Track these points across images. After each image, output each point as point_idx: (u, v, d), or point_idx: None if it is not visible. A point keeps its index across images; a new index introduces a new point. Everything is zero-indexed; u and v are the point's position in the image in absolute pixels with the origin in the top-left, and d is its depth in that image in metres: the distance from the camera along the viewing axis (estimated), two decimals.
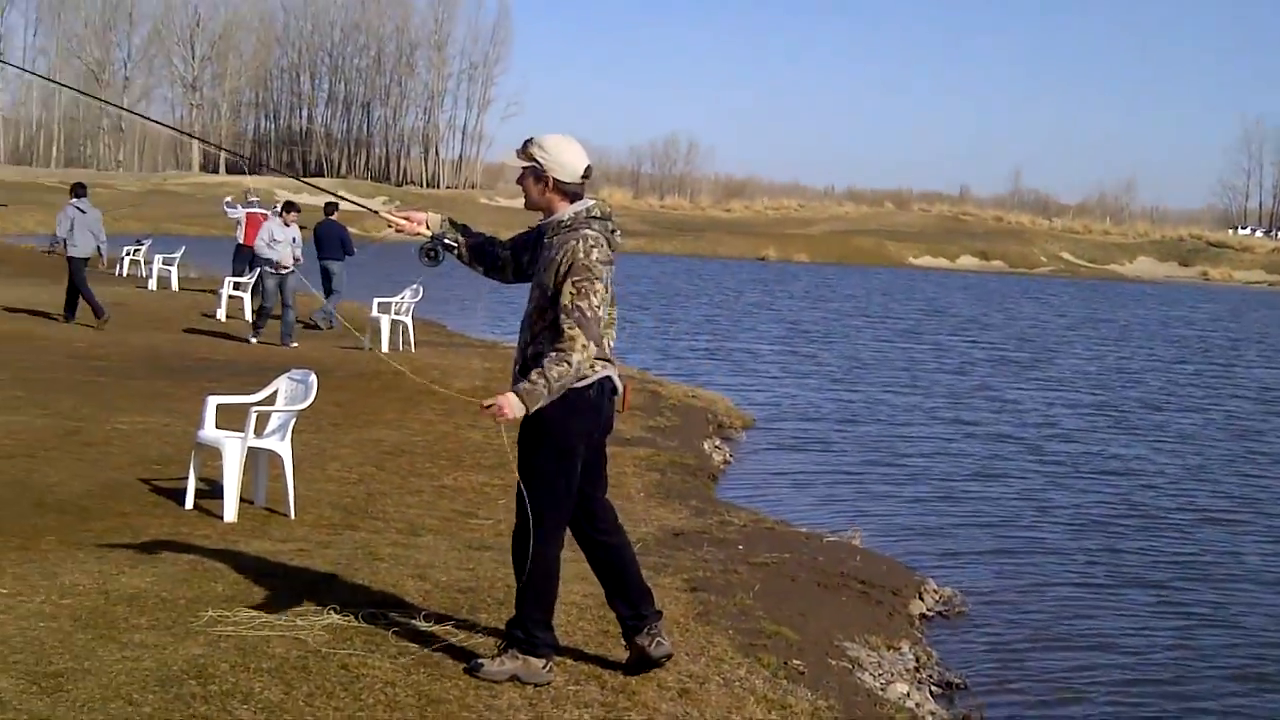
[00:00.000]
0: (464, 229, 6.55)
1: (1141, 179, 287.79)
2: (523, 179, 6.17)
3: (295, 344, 21.54)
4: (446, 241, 6.42)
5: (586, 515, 6.39)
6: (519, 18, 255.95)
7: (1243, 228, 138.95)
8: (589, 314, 5.84)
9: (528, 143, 6.17)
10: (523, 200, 6.28)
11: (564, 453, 6.11)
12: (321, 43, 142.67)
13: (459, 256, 6.47)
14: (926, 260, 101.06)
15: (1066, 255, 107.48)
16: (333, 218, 25.36)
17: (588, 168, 6.14)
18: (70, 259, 22.80)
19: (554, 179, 6.08)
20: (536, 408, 5.79)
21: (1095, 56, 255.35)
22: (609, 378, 6.12)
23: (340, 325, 22.37)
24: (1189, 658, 9.63)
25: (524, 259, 6.34)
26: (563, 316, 5.84)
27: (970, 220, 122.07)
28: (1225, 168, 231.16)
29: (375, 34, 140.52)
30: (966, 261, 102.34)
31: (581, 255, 5.91)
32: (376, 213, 7.27)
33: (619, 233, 6.23)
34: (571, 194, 6.11)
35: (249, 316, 25.97)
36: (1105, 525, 13.88)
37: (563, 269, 5.90)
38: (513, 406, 5.77)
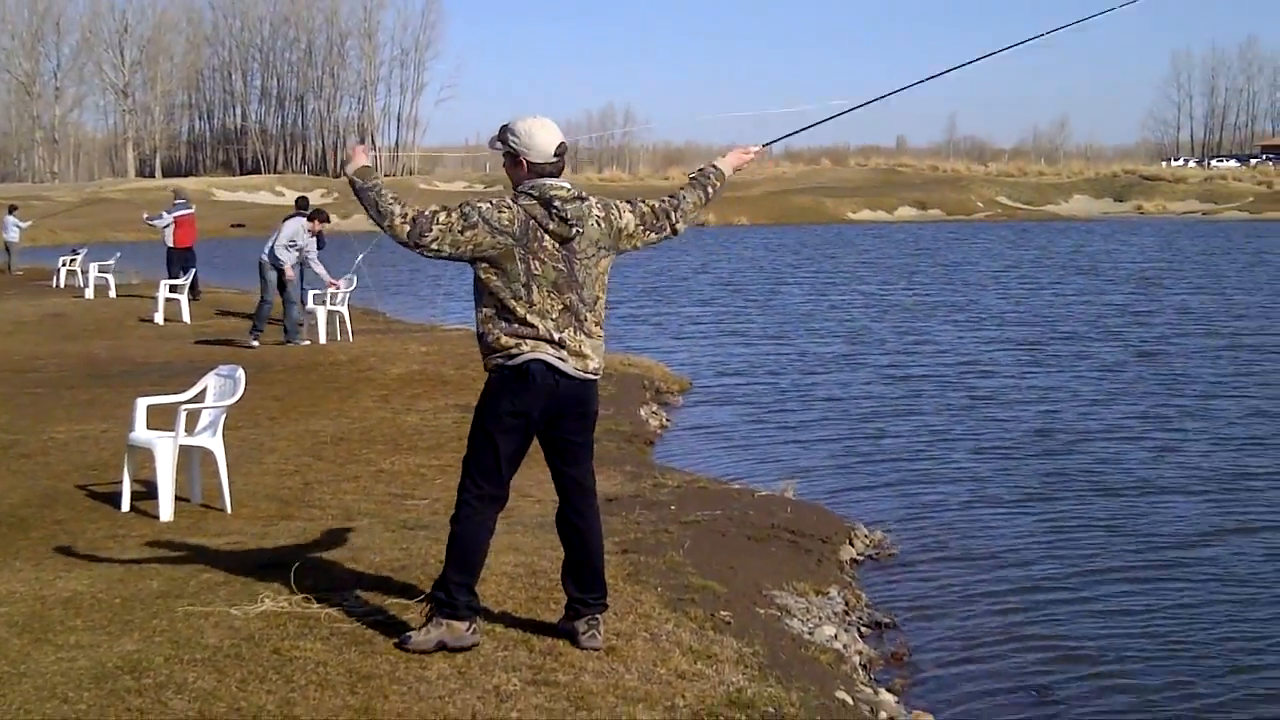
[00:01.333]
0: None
1: (1074, 118, 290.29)
2: (505, 165, 6.36)
3: (307, 341, 21.46)
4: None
5: (564, 491, 6.60)
6: (449, 1, 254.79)
7: (1175, 159, 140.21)
8: (429, 215, 6.13)
9: (503, 129, 6.33)
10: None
11: (489, 424, 6.28)
12: (251, 39, 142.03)
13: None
14: (865, 214, 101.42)
15: (1003, 199, 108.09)
16: (301, 211, 24.75)
17: (560, 145, 6.27)
18: None
19: (528, 161, 6.25)
20: (356, 179, 6.24)
21: None
22: (543, 361, 6.16)
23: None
24: (1122, 591, 9.86)
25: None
26: None
27: (907, 171, 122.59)
28: (1156, 101, 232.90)
29: (305, 26, 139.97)
30: (905, 213, 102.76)
31: (474, 199, 6.29)
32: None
33: (569, 218, 6.18)
34: (546, 172, 6.27)
35: (186, 318, 25.99)
36: (1034, 458, 14.28)
37: None
38: (361, 158, 6.32)
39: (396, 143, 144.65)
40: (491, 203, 6.19)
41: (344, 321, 22.58)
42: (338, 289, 22.23)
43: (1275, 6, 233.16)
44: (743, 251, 60.19)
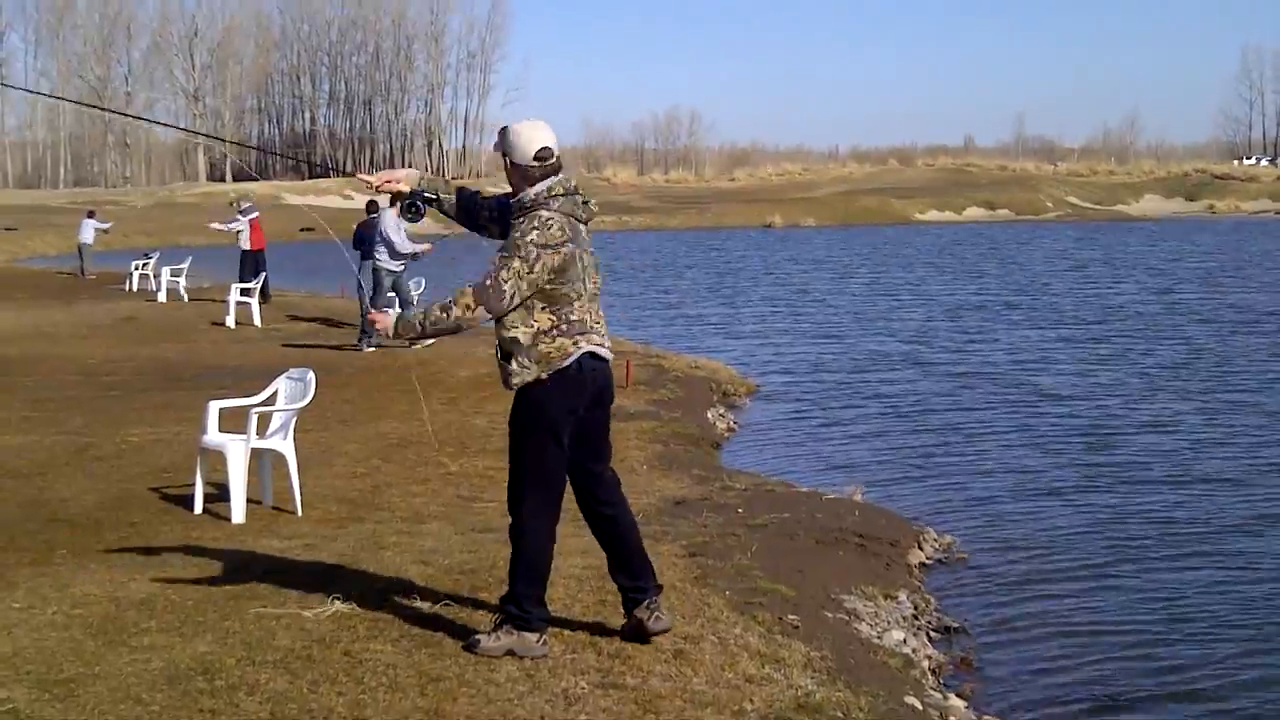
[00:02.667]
0: (447, 184, 6.76)
1: (1145, 117, 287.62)
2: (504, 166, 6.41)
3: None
4: (426, 195, 6.62)
5: (587, 487, 6.57)
6: (516, 2, 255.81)
7: (1247, 158, 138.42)
8: (491, 284, 6.09)
9: (499, 132, 6.39)
10: None
11: (547, 431, 6.31)
12: (319, 43, 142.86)
13: (442, 210, 6.65)
14: (933, 215, 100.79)
15: (1073, 199, 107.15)
16: (375, 215, 24.54)
17: (542, 149, 6.26)
18: None
19: (511, 161, 6.29)
20: (405, 335, 6.34)
21: None
22: (591, 352, 6.28)
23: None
24: (1189, 592, 9.79)
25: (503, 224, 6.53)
26: (475, 279, 6.18)
27: (975, 171, 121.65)
28: (1227, 99, 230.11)
29: (372, 30, 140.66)
30: (973, 213, 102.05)
31: (518, 235, 6.16)
32: (354, 174, 7.57)
33: (591, 202, 6.41)
34: (531, 176, 6.27)
35: (257, 321, 26.21)
36: (1106, 461, 14.13)
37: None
38: (388, 325, 6.26)
39: (464, 146, 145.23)
40: (536, 227, 6.15)
41: None
42: (430, 250, 21.90)
43: None
44: (809, 252, 59.99)
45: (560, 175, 6.32)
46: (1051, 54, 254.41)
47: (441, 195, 6.64)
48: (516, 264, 6.08)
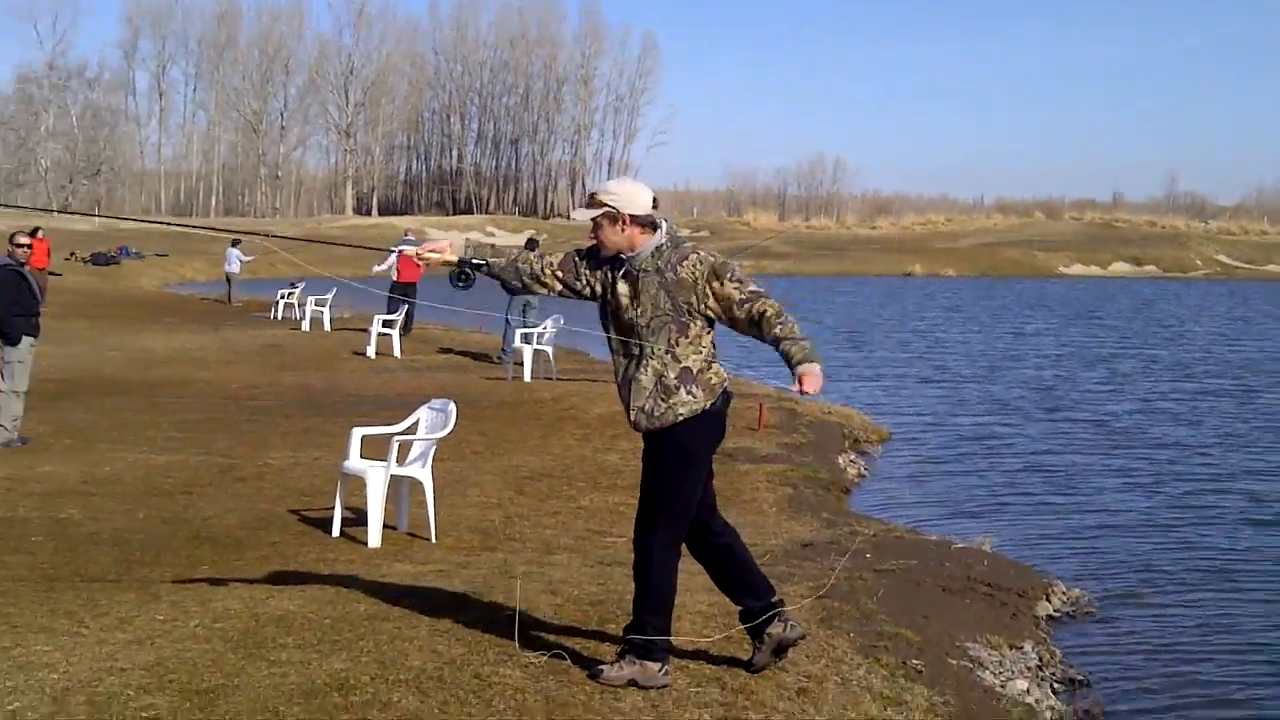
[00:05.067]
0: (494, 249, 7.01)
1: None
2: (598, 229, 6.48)
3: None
4: (474, 262, 6.76)
5: (703, 520, 6.70)
6: (665, 47, 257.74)
7: None
8: (762, 288, 6.31)
9: (593, 194, 6.53)
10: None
11: (696, 466, 6.47)
12: (471, 84, 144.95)
13: (491, 274, 6.75)
14: (1077, 269, 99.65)
15: (1222, 257, 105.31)
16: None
17: (654, 198, 6.49)
18: None
19: (629, 215, 6.41)
20: (471, 254, 6.64)
21: (1248, 53, 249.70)
22: (728, 389, 6.50)
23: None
24: None
25: (581, 283, 6.64)
26: (751, 302, 6.28)
27: (1123, 227, 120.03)
28: None
29: (524, 73, 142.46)
30: (1119, 268, 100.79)
31: (711, 258, 6.38)
32: (401, 251, 7.80)
33: None
34: (650, 224, 6.44)
35: (397, 352, 26.69)
36: (1245, 526, 13.83)
37: (703, 278, 6.32)
38: (817, 373, 6.18)
39: None
40: (710, 253, 6.43)
41: (549, 359, 22.98)
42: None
43: None
44: (948, 301, 59.59)
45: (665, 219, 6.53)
46: (1206, 110, 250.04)
47: (490, 260, 6.76)
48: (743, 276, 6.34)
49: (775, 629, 6.75)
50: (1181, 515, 14.23)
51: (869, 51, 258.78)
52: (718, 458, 6.78)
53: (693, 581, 7.57)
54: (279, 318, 36.94)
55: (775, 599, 6.81)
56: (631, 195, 6.42)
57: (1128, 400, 24.46)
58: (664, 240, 6.43)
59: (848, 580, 9.37)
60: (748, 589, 6.76)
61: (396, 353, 26.83)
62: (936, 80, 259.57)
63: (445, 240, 7.00)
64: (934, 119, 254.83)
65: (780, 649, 6.80)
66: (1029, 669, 8.45)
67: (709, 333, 6.42)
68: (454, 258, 6.77)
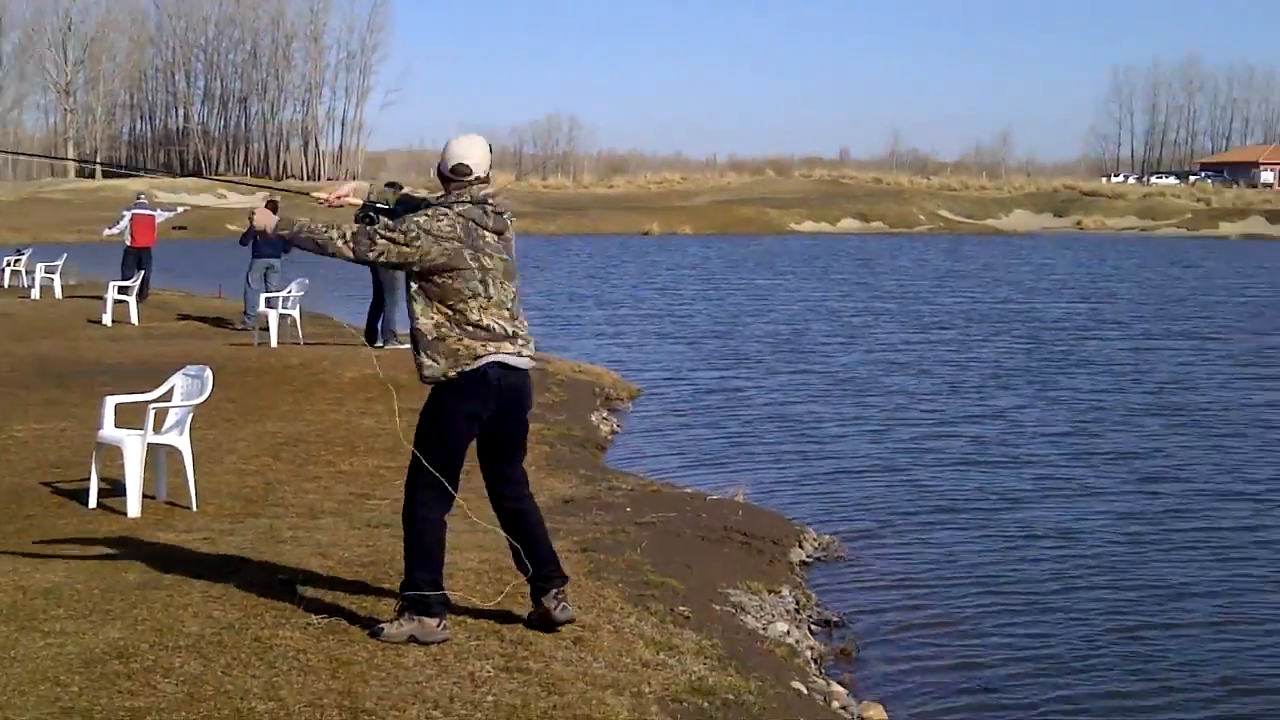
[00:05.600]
0: (395, 191, 7.07)
1: (1017, 133, 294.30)
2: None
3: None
4: (378, 206, 6.87)
5: (496, 485, 6.89)
6: (398, 3, 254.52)
7: (1115, 175, 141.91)
8: (370, 232, 6.45)
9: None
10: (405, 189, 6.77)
11: (446, 430, 6.61)
12: (196, 40, 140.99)
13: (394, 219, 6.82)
14: (808, 225, 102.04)
15: (944, 212, 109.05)
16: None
17: (459, 164, 6.62)
18: None
19: (440, 173, 6.69)
20: (280, 231, 6.59)
21: (967, 13, 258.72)
22: (500, 361, 6.53)
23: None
24: (1052, 577, 10.52)
25: None
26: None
27: (850, 183, 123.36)
28: (1098, 118, 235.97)
29: (250, 28, 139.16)
30: (848, 224, 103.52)
31: (410, 216, 6.56)
32: (308, 194, 7.79)
33: (506, 214, 6.70)
34: (448, 187, 6.66)
35: (134, 319, 26.04)
36: (968, 467, 14.81)
37: None
38: (268, 218, 6.61)
39: (340, 146, 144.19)
40: (428, 214, 6.52)
41: (296, 325, 22.70)
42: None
43: (1216, 23, 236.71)
44: (687, 260, 60.59)
45: (476, 190, 6.60)
46: (926, 70, 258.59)
47: (393, 203, 6.90)
48: (397, 234, 6.42)
49: (549, 602, 6.93)
50: (914, 458, 15.19)
51: (600, 7, 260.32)
52: None
53: (461, 540, 7.77)
54: (5, 285, 35.62)
55: (557, 574, 6.99)
56: (444, 151, 6.68)
57: (858, 351, 25.72)
58: (437, 198, 6.67)
59: (611, 534, 9.66)
60: (531, 557, 6.93)
61: (134, 320, 26.16)
62: (670, 39, 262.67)
63: (349, 185, 7.05)
64: (667, 77, 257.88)
65: (546, 623, 6.97)
66: (788, 612, 8.89)
67: (439, 301, 6.50)
68: (358, 201, 6.88)
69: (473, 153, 6.65)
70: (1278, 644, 9.16)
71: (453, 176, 6.62)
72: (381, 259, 6.42)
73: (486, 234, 6.58)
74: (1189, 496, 13.40)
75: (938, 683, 8.26)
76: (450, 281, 6.46)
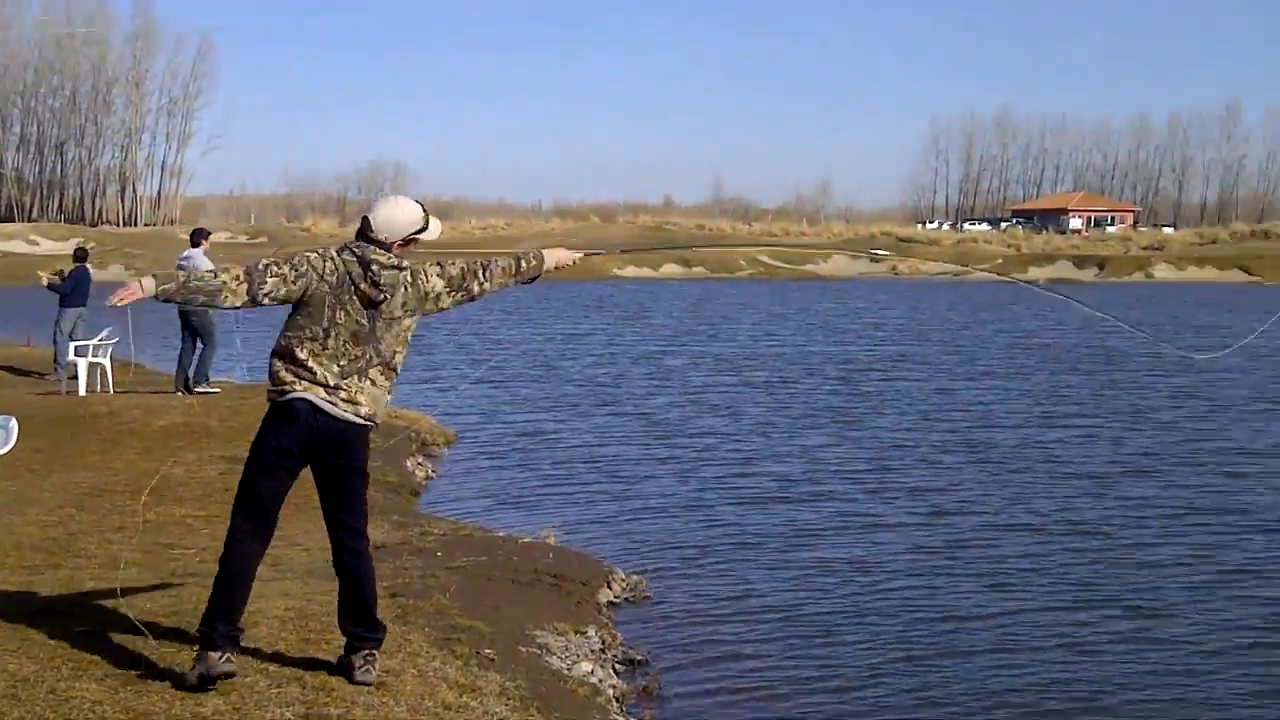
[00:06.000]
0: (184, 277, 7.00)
1: (837, 182, 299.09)
2: None
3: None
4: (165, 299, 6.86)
5: (335, 532, 7.05)
6: (223, 52, 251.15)
7: (931, 223, 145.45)
8: (263, 269, 6.47)
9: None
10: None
11: (254, 458, 6.69)
12: (14, 85, 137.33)
13: (199, 303, 6.69)
14: (630, 270, 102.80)
15: (764, 258, 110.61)
16: (82, 265, 24.62)
17: (364, 221, 6.76)
18: None
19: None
20: (162, 293, 6.37)
21: (788, 66, 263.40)
22: (307, 400, 6.54)
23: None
24: (847, 609, 11.05)
25: None
26: None
27: (674, 230, 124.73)
28: (916, 167, 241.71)
29: (71, 73, 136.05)
30: (670, 270, 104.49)
31: (305, 251, 6.70)
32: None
33: (381, 280, 6.65)
34: (371, 240, 6.72)
35: None
36: (773, 503, 15.35)
37: None
38: (144, 286, 6.39)
39: (159, 191, 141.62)
40: (319, 253, 6.64)
41: (105, 373, 22.31)
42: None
43: (1029, 76, 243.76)
44: (507, 304, 60.62)
45: (369, 251, 6.65)
46: (748, 118, 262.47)
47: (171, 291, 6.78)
48: (288, 269, 6.49)
49: (356, 660, 6.94)
50: (720, 496, 15.73)
51: (425, 55, 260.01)
52: None
53: (267, 589, 7.76)
54: None
55: (372, 638, 7.02)
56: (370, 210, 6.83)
57: (673, 394, 26.34)
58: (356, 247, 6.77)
59: (421, 578, 9.70)
60: (350, 613, 6.98)
61: None
62: (496, 87, 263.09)
63: (135, 283, 6.67)
64: (492, 124, 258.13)
65: (346, 676, 6.92)
66: (593, 652, 9.03)
67: (286, 328, 6.59)
68: (147, 295, 6.62)
69: (377, 213, 6.75)
70: (1052, 665, 9.68)
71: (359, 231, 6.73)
72: (270, 298, 6.46)
73: (356, 296, 6.59)
74: (977, 529, 14.02)
75: (734, 715, 8.48)
76: (300, 318, 6.56)
